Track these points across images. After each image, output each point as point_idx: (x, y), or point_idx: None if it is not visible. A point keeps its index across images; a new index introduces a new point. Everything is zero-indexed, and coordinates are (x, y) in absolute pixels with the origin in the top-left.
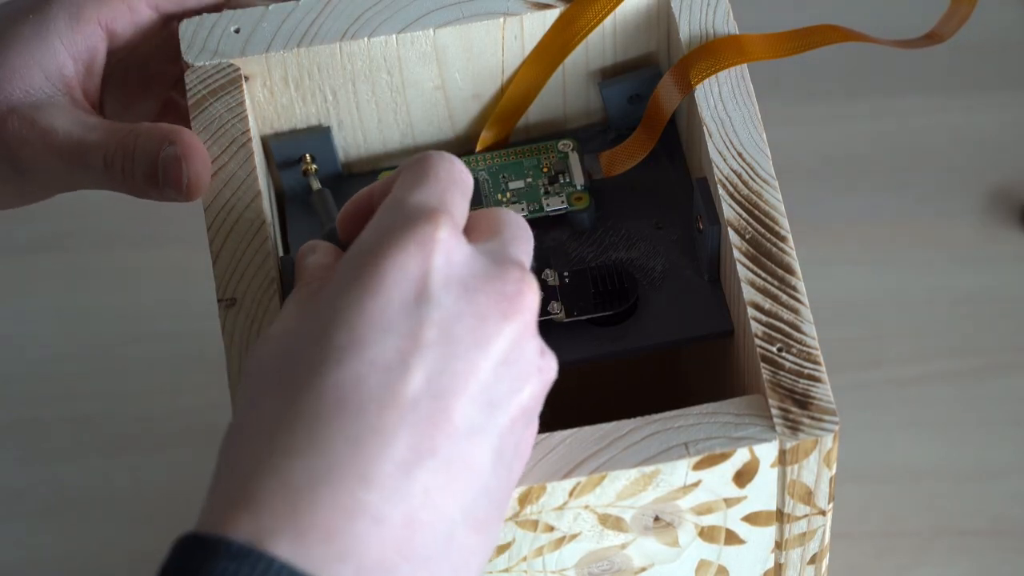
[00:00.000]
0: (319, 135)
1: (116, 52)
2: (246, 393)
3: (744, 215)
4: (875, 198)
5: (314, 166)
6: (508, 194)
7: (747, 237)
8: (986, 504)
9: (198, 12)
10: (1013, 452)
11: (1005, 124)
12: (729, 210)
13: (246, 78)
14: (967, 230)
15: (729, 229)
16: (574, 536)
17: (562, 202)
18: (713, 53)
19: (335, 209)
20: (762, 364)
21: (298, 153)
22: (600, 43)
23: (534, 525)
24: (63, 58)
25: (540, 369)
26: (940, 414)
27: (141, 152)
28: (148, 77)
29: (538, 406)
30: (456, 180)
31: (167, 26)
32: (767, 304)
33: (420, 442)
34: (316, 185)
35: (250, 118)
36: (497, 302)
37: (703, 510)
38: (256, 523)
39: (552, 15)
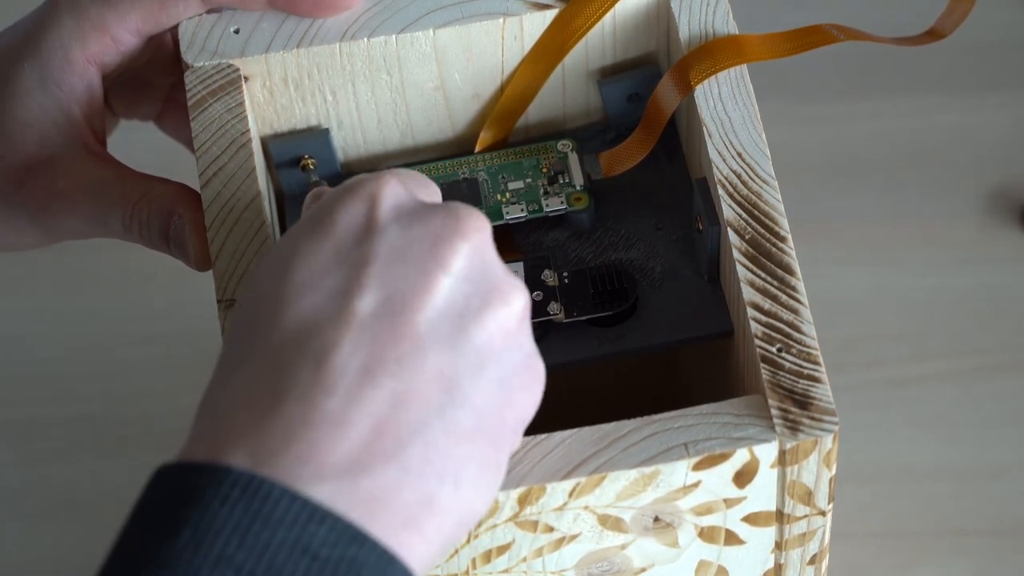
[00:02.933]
0: (318, 136)
1: (109, 77)
2: (224, 342)
3: (744, 215)
4: (875, 198)
5: (312, 161)
6: (508, 194)
7: (747, 237)
8: (986, 504)
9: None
10: (1013, 452)
11: (1005, 124)
12: (729, 210)
13: (246, 78)
14: (967, 230)
15: (729, 229)
16: (574, 537)
17: (561, 202)
18: (713, 53)
19: None
20: (762, 364)
21: (297, 154)
22: (600, 43)
23: (534, 526)
24: (67, 104)
25: (510, 286)
26: (940, 414)
27: (154, 219)
28: (146, 85)
29: (521, 329)
30: (416, 175)
31: (153, 43)
32: (767, 304)
33: (383, 351)
34: (315, 178)
35: (250, 118)
36: (450, 223)
37: (703, 511)
38: (219, 443)
39: (552, 15)
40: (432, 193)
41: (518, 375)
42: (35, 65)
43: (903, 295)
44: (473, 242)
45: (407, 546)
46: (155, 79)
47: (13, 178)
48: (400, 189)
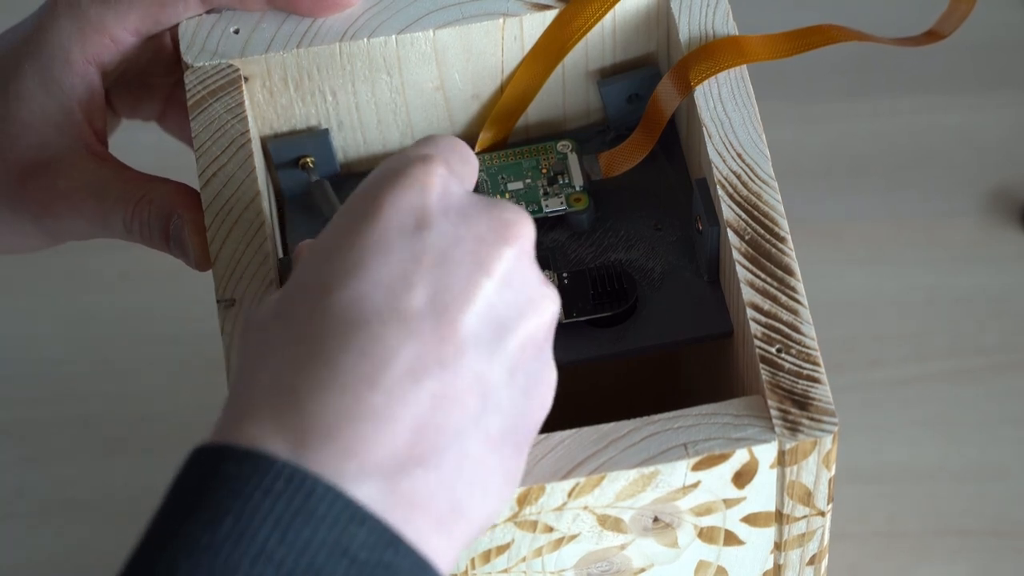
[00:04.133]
0: (318, 136)
1: (109, 77)
2: (245, 341)
3: (743, 216)
4: (875, 198)
5: (311, 158)
6: (507, 195)
7: (746, 238)
8: (986, 504)
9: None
10: (1013, 452)
11: (1005, 124)
12: (728, 211)
13: (245, 79)
14: (967, 230)
15: (728, 230)
16: (573, 537)
17: (561, 203)
18: (713, 54)
19: (335, 199)
20: (761, 365)
21: (297, 154)
22: (600, 43)
23: (533, 526)
24: (68, 105)
25: (545, 296)
26: (940, 414)
27: (154, 219)
28: (147, 85)
29: (548, 340)
30: (457, 148)
31: (153, 43)
32: (766, 305)
33: (427, 352)
34: (315, 177)
35: (250, 119)
36: (496, 227)
37: (702, 511)
38: (259, 428)
39: (552, 16)
40: (473, 167)
41: (540, 383)
42: (35, 66)
43: (903, 295)
44: (517, 248)
45: (437, 551)
46: (156, 79)
47: (15, 179)
48: (448, 179)
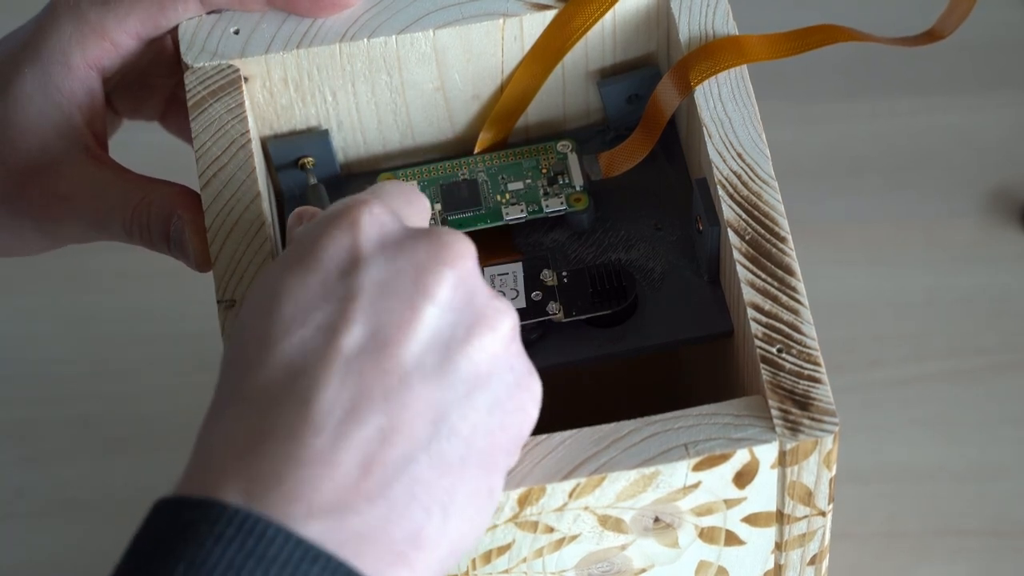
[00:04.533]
0: (318, 137)
1: (110, 81)
2: (219, 375)
3: (744, 216)
4: (875, 198)
5: (311, 159)
6: (507, 195)
7: (747, 238)
8: (986, 504)
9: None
10: (1013, 452)
11: (1005, 124)
12: (729, 211)
13: (246, 79)
14: (967, 230)
15: (729, 230)
16: (574, 537)
17: (561, 203)
18: (713, 54)
19: (329, 203)
20: (762, 365)
21: (297, 155)
22: (599, 43)
23: (534, 526)
24: (68, 109)
25: (496, 311)
26: (940, 414)
27: (155, 221)
28: (148, 86)
29: (510, 350)
30: (402, 190)
31: (154, 45)
32: (767, 305)
33: (369, 387)
34: (312, 180)
35: (250, 119)
36: (434, 252)
37: (703, 511)
38: (213, 480)
39: (551, 16)
40: (421, 208)
41: (511, 397)
42: (35, 70)
43: (903, 295)
44: (458, 270)
45: None
46: (157, 80)
47: (15, 183)
48: (384, 216)
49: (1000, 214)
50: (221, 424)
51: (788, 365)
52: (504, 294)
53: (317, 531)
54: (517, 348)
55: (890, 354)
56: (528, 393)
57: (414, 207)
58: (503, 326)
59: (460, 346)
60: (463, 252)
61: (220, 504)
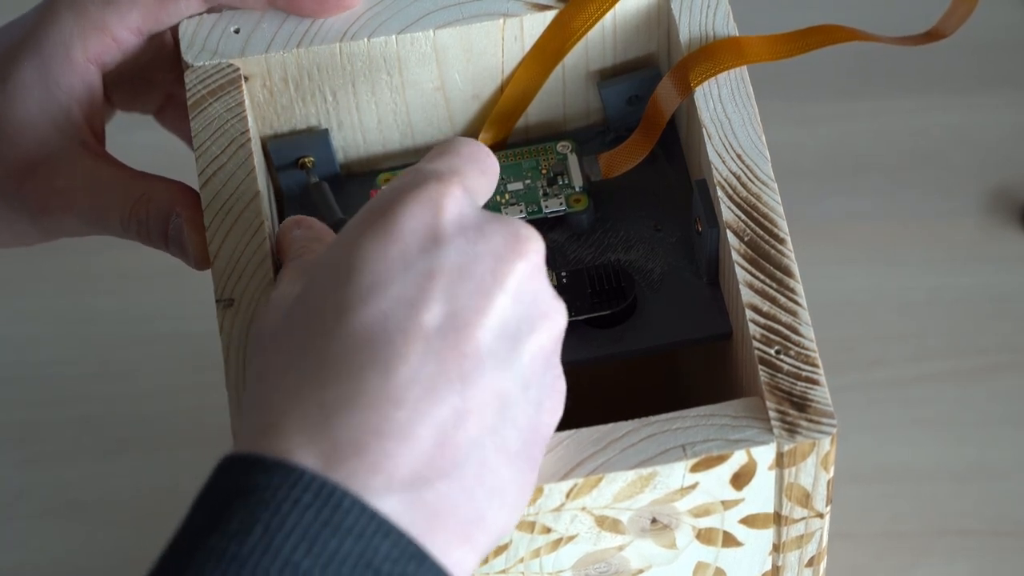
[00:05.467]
0: (317, 136)
1: (109, 75)
2: (262, 354)
3: (743, 217)
4: (875, 198)
5: (310, 158)
6: (507, 195)
7: (746, 239)
8: (986, 504)
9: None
10: (1013, 452)
11: (1005, 124)
12: (728, 212)
13: (246, 78)
14: (967, 230)
15: (728, 231)
16: (571, 538)
17: (561, 204)
18: (713, 55)
19: (334, 201)
20: (760, 366)
21: (297, 154)
22: (600, 44)
23: (531, 526)
24: (67, 103)
25: (555, 310)
26: (940, 414)
27: (153, 218)
28: (147, 81)
29: (556, 351)
30: (477, 159)
31: (154, 41)
32: (765, 306)
33: (447, 367)
34: (314, 179)
35: (249, 118)
36: (510, 243)
37: (700, 512)
38: (288, 441)
39: (552, 16)
40: (493, 177)
41: (550, 396)
42: (35, 64)
43: (903, 295)
44: (530, 264)
45: (460, 562)
46: (156, 75)
47: (12, 177)
48: (464, 199)
49: (1000, 214)
50: (291, 385)
51: (786, 367)
52: None
53: (392, 505)
54: (560, 349)
55: (890, 354)
56: (560, 395)
57: (487, 177)
58: (559, 326)
59: (525, 339)
60: (537, 247)
61: (299, 468)
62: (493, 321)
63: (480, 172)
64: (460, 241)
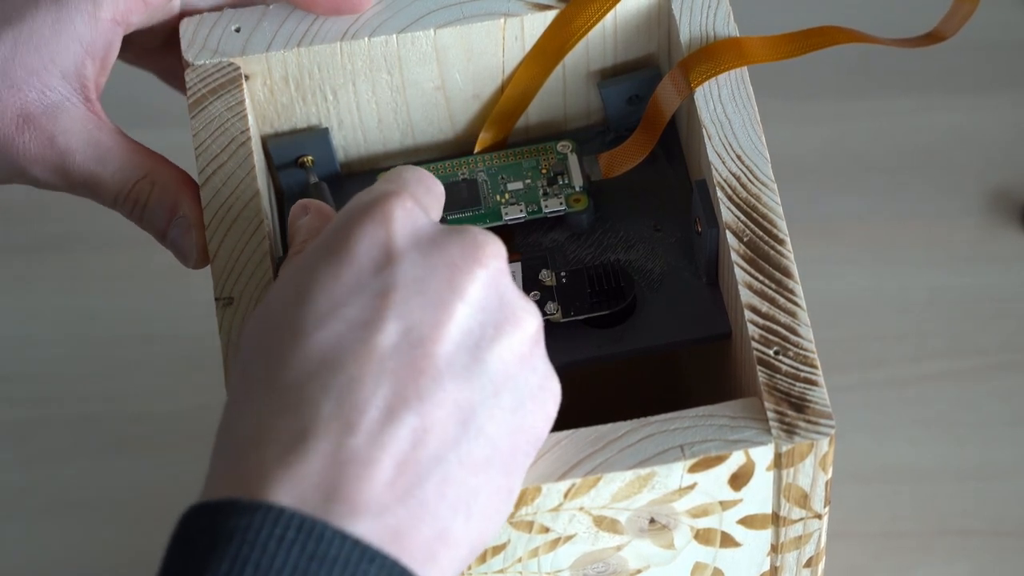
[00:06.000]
0: (318, 135)
1: (127, 36)
2: (238, 367)
3: (742, 218)
4: (875, 198)
5: (310, 157)
6: (507, 195)
7: (745, 240)
8: (986, 504)
9: None
10: (1013, 452)
11: (1005, 124)
12: (728, 213)
13: (246, 77)
14: (967, 230)
15: (727, 232)
16: (569, 538)
17: (561, 203)
18: (713, 55)
19: (333, 202)
20: (758, 367)
21: (297, 153)
22: (600, 44)
23: (529, 526)
24: (82, 57)
25: (524, 311)
26: (940, 414)
27: (155, 206)
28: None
29: (534, 353)
30: (422, 179)
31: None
32: (764, 307)
33: (404, 387)
34: (313, 179)
35: (250, 117)
36: (467, 252)
37: (698, 512)
38: (258, 480)
39: (552, 16)
40: (439, 197)
41: (534, 398)
42: (56, 12)
43: (903, 295)
44: (490, 269)
45: None
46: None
47: (13, 122)
48: (416, 211)
49: (1000, 214)
50: (251, 420)
51: (784, 367)
52: None
53: (361, 531)
54: (541, 350)
55: (890, 354)
56: (549, 394)
57: (433, 196)
58: (530, 327)
59: (489, 345)
60: (495, 252)
61: (276, 507)
62: (452, 332)
63: (426, 190)
64: (414, 255)
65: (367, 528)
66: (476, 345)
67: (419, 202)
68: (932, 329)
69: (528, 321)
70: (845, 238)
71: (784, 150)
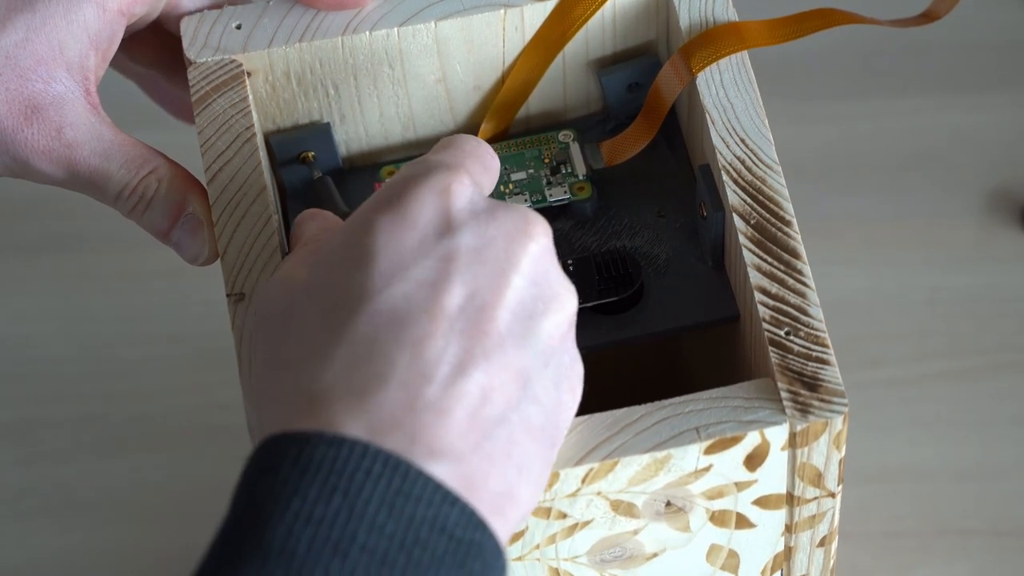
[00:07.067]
0: (320, 130)
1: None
2: (274, 340)
3: (748, 200)
4: (875, 198)
5: (312, 152)
6: (510, 185)
7: (752, 222)
8: (986, 504)
9: None
10: (1013, 452)
11: (1005, 124)
12: (733, 196)
13: (248, 73)
14: (967, 230)
15: (734, 215)
16: (587, 523)
17: (564, 192)
18: (713, 40)
19: (339, 195)
20: (770, 348)
21: (299, 149)
22: (600, 32)
23: (547, 512)
24: (87, 48)
25: (566, 289)
26: (940, 414)
27: (162, 201)
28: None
29: (571, 333)
30: (479, 155)
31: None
32: (774, 288)
33: (472, 346)
34: (318, 173)
35: (253, 113)
36: (521, 225)
37: (714, 494)
38: (336, 418)
39: (552, 6)
40: (494, 173)
41: (567, 377)
42: (69, 4)
43: (903, 295)
44: (540, 245)
45: (496, 533)
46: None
47: (22, 113)
48: (471, 186)
49: (1000, 214)
50: (318, 371)
51: (796, 347)
52: None
53: (439, 475)
54: (574, 332)
55: (890, 354)
56: (579, 377)
57: (489, 174)
58: (570, 307)
59: (540, 318)
60: (545, 229)
61: (361, 441)
62: (510, 301)
63: (483, 168)
64: (473, 225)
65: (445, 473)
66: (529, 317)
67: (474, 179)
68: (932, 329)
69: (570, 301)
70: (845, 238)
71: (784, 150)
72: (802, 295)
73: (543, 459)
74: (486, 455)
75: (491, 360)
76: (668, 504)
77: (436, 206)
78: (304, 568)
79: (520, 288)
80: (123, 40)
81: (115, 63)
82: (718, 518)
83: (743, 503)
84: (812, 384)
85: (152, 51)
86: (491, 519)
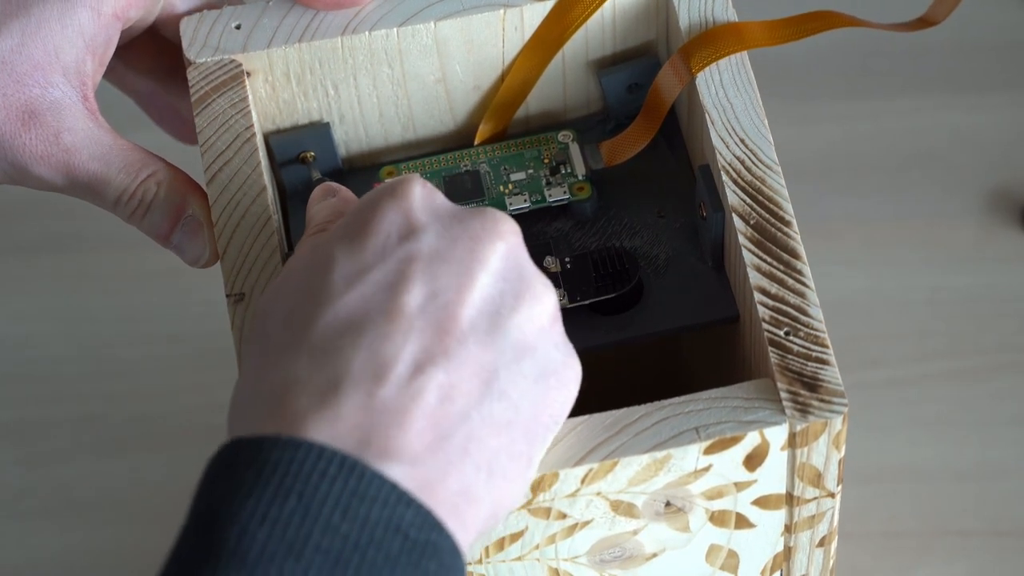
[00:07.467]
0: (319, 130)
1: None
2: (255, 336)
3: (748, 201)
4: (875, 198)
5: (311, 153)
6: (510, 186)
7: (752, 223)
8: (986, 504)
9: None
10: (1013, 452)
11: (1005, 124)
12: (733, 196)
13: (248, 74)
14: (967, 230)
15: (734, 215)
16: (586, 523)
17: (564, 192)
18: (713, 41)
19: None
20: (770, 348)
21: (299, 149)
22: (599, 32)
23: (547, 512)
24: (83, 53)
25: (542, 284)
26: (940, 414)
27: (162, 204)
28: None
29: (555, 329)
30: (426, 182)
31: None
32: (773, 288)
33: (431, 344)
34: (317, 174)
35: (252, 113)
36: (488, 225)
37: (714, 494)
38: (297, 421)
39: (551, 6)
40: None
41: (556, 373)
42: (65, 8)
43: (903, 295)
44: (508, 243)
45: (453, 534)
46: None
47: (20, 119)
48: (433, 191)
49: (1000, 214)
50: (281, 376)
51: (796, 348)
52: None
53: (395, 476)
54: (560, 327)
55: (890, 354)
56: (572, 372)
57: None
58: (548, 301)
59: (510, 314)
60: (512, 228)
61: (318, 444)
62: (475, 298)
63: (432, 188)
64: (436, 227)
65: (400, 474)
66: (497, 312)
67: (433, 188)
68: (932, 329)
69: (545, 294)
70: (845, 238)
71: (784, 151)
72: (802, 295)
73: (512, 454)
74: (444, 454)
75: (451, 358)
76: (668, 504)
77: (398, 213)
78: (258, 568)
79: (486, 285)
80: (120, 47)
81: (114, 76)
82: (718, 518)
83: (743, 503)
84: (812, 384)
85: (149, 57)
86: (449, 519)
